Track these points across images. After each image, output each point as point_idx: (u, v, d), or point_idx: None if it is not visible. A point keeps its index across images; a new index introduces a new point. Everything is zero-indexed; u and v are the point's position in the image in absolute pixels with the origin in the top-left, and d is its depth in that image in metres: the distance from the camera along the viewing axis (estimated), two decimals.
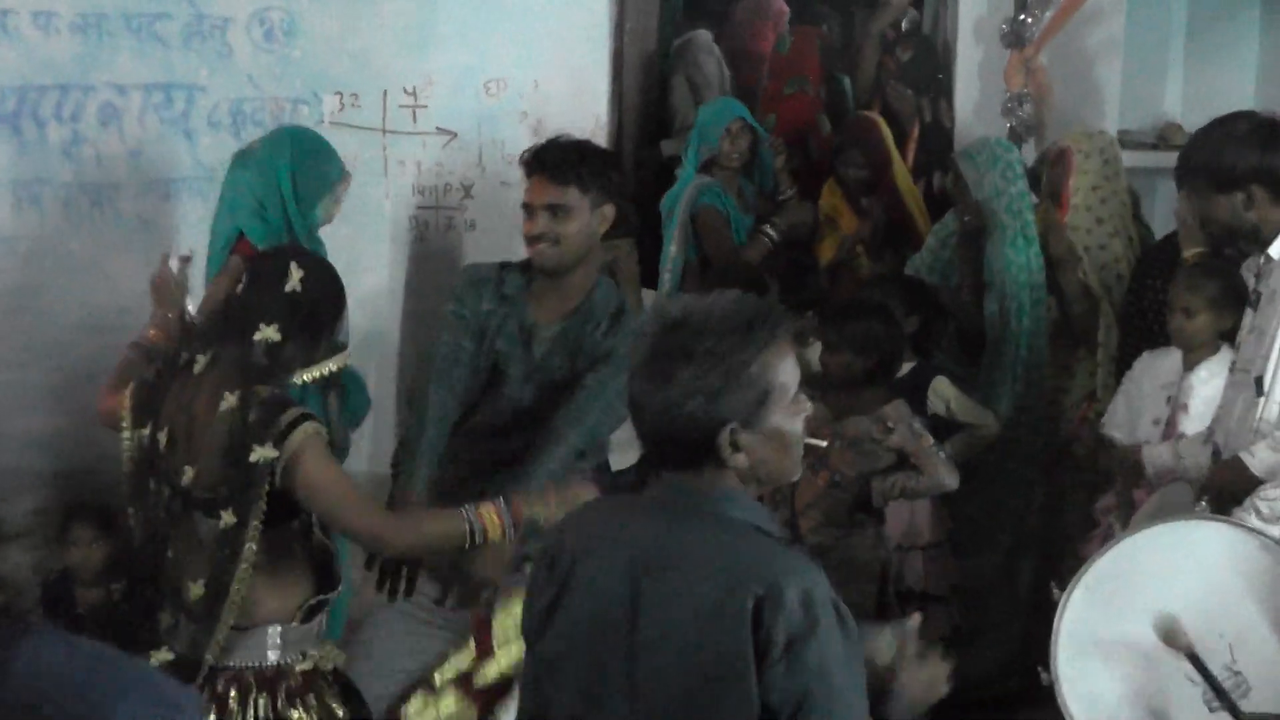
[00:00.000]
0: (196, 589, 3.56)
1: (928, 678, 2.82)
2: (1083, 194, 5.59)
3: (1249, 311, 4.22)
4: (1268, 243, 4.08)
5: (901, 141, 6.69)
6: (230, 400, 3.55)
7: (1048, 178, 5.65)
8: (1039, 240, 5.53)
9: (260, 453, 3.49)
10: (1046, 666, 3.60)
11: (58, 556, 5.43)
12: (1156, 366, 4.97)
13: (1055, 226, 5.56)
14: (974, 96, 6.50)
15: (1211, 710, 3.42)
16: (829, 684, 2.42)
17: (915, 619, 2.86)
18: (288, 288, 3.70)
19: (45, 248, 5.63)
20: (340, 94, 5.79)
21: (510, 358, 4.33)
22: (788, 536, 2.71)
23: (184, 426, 3.62)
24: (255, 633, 3.62)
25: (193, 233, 5.36)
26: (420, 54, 5.82)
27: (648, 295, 5.51)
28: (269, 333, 3.63)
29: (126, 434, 3.72)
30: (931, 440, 4.96)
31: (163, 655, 3.56)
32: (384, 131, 5.80)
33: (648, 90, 7.11)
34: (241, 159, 5.15)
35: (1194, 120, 6.55)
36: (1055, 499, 5.62)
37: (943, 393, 5.27)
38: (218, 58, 5.79)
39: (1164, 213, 6.24)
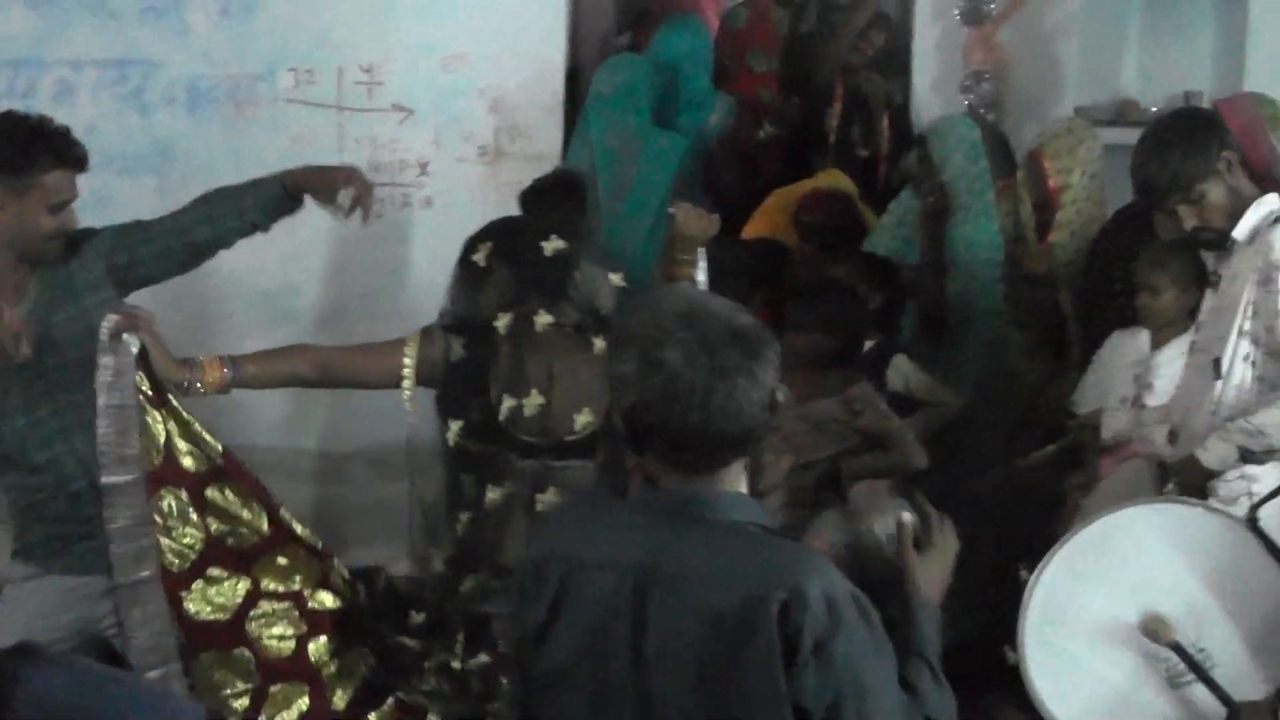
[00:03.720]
0: None
1: (939, 562, 2.81)
2: (1078, 195, 5.54)
3: (1209, 293, 4.24)
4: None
5: (872, 128, 6.68)
6: (600, 343, 3.78)
7: (1029, 185, 5.61)
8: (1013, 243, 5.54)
9: None
10: (1013, 645, 3.60)
11: None
12: (1125, 345, 4.99)
13: (1034, 250, 5.53)
14: (932, 73, 6.51)
15: (1174, 687, 3.44)
16: (860, 681, 2.39)
17: (906, 516, 2.82)
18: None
19: None
20: (295, 70, 5.77)
21: None
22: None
23: (557, 380, 3.81)
24: None
25: (148, 209, 5.33)
26: (377, 30, 5.80)
27: None
28: (616, 280, 3.91)
29: (457, 425, 3.81)
30: (899, 421, 4.97)
31: None
32: (339, 109, 5.78)
33: None
34: None
35: (1151, 97, 6.61)
36: (1014, 478, 5.62)
37: (903, 370, 5.28)
38: (174, 34, 5.77)
39: (1121, 190, 6.26)
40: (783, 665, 2.36)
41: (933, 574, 2.78)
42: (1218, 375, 4.13)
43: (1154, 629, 3.41)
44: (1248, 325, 4.09)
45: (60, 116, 5.52)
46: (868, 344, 5.24)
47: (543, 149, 5.91)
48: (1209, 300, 4.24)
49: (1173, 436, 4.27)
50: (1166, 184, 4.02)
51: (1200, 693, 3.40)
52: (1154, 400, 4.71)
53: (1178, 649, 3.36)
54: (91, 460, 3.86)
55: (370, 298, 5.76)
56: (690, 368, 2.39)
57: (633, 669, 2.46)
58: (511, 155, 5.85)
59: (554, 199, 5.21)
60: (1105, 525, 3.62)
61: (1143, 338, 4.90)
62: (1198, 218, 4.06)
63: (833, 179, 6.34)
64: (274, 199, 4.15)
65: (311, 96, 5.65)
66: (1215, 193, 4.03)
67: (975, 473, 5.57)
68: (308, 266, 5.81)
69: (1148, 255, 4.84)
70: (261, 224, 4.19)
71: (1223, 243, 4.12)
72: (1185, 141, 4.04)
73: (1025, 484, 5.51)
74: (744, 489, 2.56)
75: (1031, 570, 3.61)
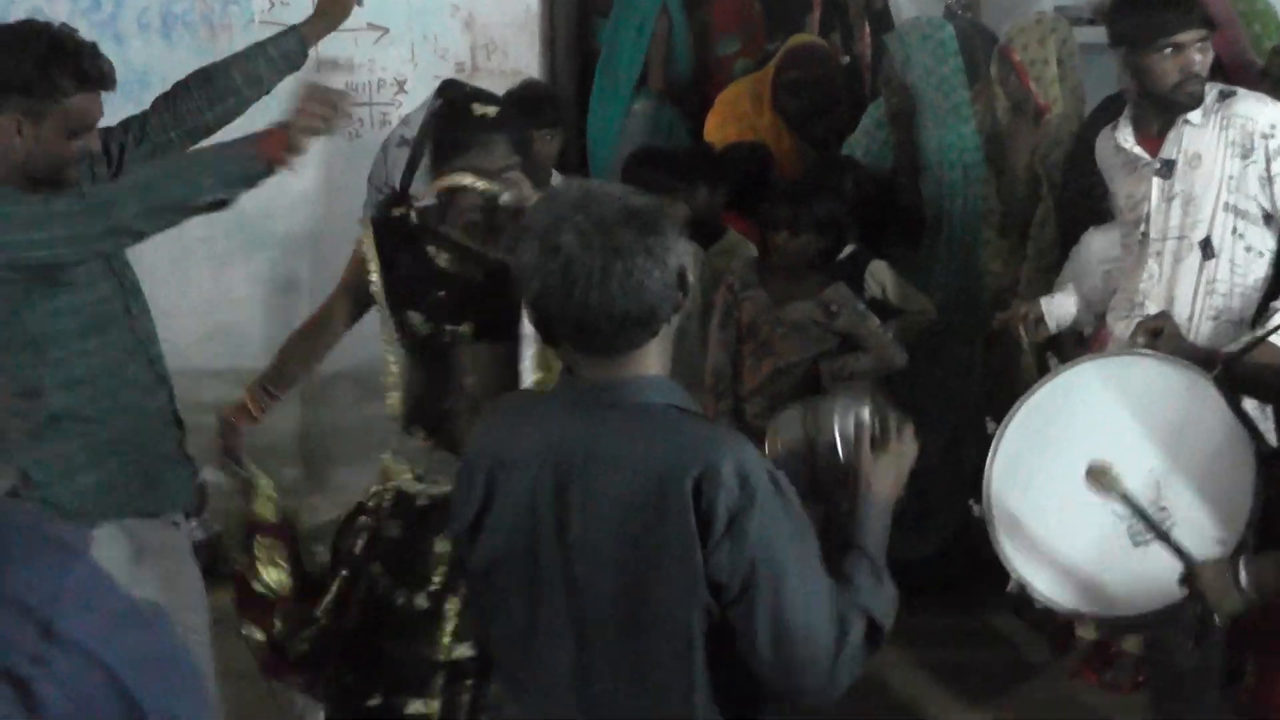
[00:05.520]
0: None
1: (894, 461, 2.74)
2: (1049, 88, 5.53)
3: (1156, 181, 4.30)
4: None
5: (852, 34, 6.66)
6: None
7: (1004, 84, 5.58)
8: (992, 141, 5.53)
9: None
10: (979, 500, 3.67)
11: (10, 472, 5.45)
12: (1100, 242, 4.99)
13: (1019, 137, 5.51)
14: None
15: (1135, 545, 3.44)
16: (773, 555, 2.40)
17: (865, 414, 2.75)
18: None
19: None
20: None
21: None
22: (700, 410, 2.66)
23: None
24: None
25: None
26: None
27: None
28: None
29: None
30: (877, 321, 5.00)
31: None
32: None
33: None
34: None
35: None
36: (995, 380, 5.65)
37: (880, 277, 5.27)
38: None
39: (1100, 89, 6.26)
40: (699, 543, 2.39)
41: (887, 474, 2.73)
42: (1210, 255, 4.22)
43: (1101, 480, 3.44)
44: (1230, 200, 4.22)
45: None
46: (846, 249, 5.24)
47: (519, 64, 5.93)
48: (1157, 188, 4.31)
49: (1155, 331, 4.31)
50: (1157, 26, 4.12)
51: (1163, 550, 3.43)
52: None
53: (1127, 500, 3.40)
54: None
55: (350, 220, 5.72)
56: (586, 249, 2.41)
57: (560, 558, 2.50)
58: (488, 71, 5.87)
59: (531, 108, 5.24)
60: (1063, 381, 3.68)
61: (1115, 235, 4.91)
62: (1179, 72, 4.15)
63: (805, 38, 6.31)
64: (294, 53, 3.95)
65: (285, 18, 5.61)
66: (1203, 50, 4.15)
67: (955, 376, 5.60)
68: (288, 189, 5.81)
69: None
70: (269, 88, 3.99)
71: (1195, 104, 4.21)
72: None
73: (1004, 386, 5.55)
74: (662, 371, 2.57)
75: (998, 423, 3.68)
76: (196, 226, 4.49)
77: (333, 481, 5.99)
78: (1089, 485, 3.44)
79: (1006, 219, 5.59)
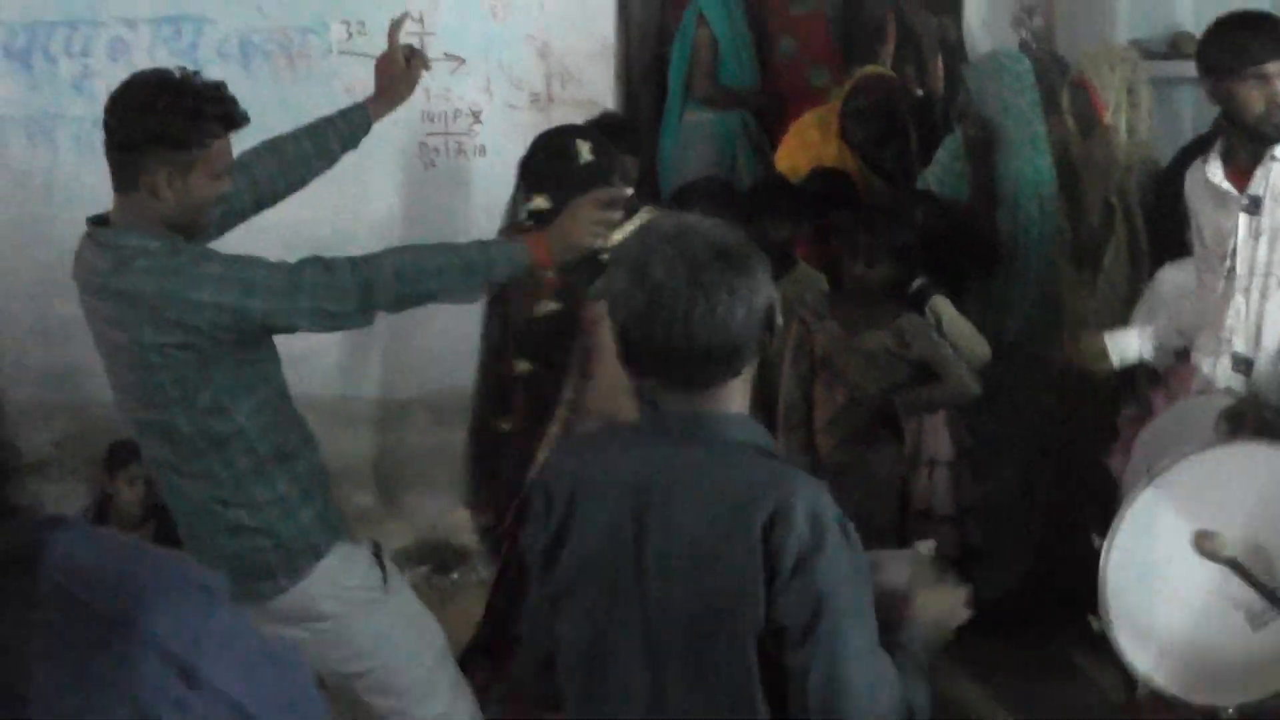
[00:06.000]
0: None
1: (945, 604, 2.79)
2: (1115, 114, 5.51)
3: (1243, 217, 4.24)
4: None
5: (926, 67, 6.65)
6: None
7: (1075, 110, 5.55)
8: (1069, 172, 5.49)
9: None
10: (1095, 612, 3.62)
11: (82, 491, 5.51)
12: (1175, 277, 4.96)
13: (1091, 163, 5.48)
14: (982, 10, 6.46)
15: (1255, 630, 3.47)
16: (836, 602, 2.42)
17: (929, 544, 2.84)
18: None
19: (58, 181, 5.69)
20: (347, 22, 5.82)
21: None
22: (790, 456, 2.69)
23: None
24: None
25: None
26: None
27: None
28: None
29: None
30: (951, 350, 4.96)
31: None
32: None
33: (654, 10, 7.10)
34: None
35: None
36: (1070, 413, 5.60)
37: (938, 310, 5.23)
38: None
39: (1175, 123, 6.21)
40: (764, 583, 2.41)
41: (936, 609, 2.78)
42: None
43: (1208, 546, 3.42)
44: None
45: (115, 75, 5.62)
46: (917, 283, 5.21)
47: (593, 94, 5.95)
48: (1245, 224, 4.25)
49: (1244, 366, 4.26)
50: (1244, 54, 4.10)
51: None
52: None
53: (1235, 565, 3.37)
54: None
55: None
56: (672, 283, 2.45)
57: (635, 582, 2.53)
58: (563, 101, 5.90)
59: (611, 133, 5.26)
60: (1162, 484, 3.63)
61: (1190, 271, 4.87)
62: (1265, 102, 4.12)
63: (874, 69, 6.31)
64: (361, 127, 4.16)
65: (362, 48, 5.67)
66: None
67: (1030, 410, 5.54)
68: (364, 216, 5.88)
69: None
70: (336, 160, 4.17)
71: None
72: (1265, 23, 4.16)
73: (1077, 419, 5.50)
74: (744, 408, 2.60)
75: (1101, 535, 3.64)
76: (272, 251, 4.53)
77: (406, 507, 6.02)
78: (1197, 553, 3.42)
79: (1079, 248, 5.56)
